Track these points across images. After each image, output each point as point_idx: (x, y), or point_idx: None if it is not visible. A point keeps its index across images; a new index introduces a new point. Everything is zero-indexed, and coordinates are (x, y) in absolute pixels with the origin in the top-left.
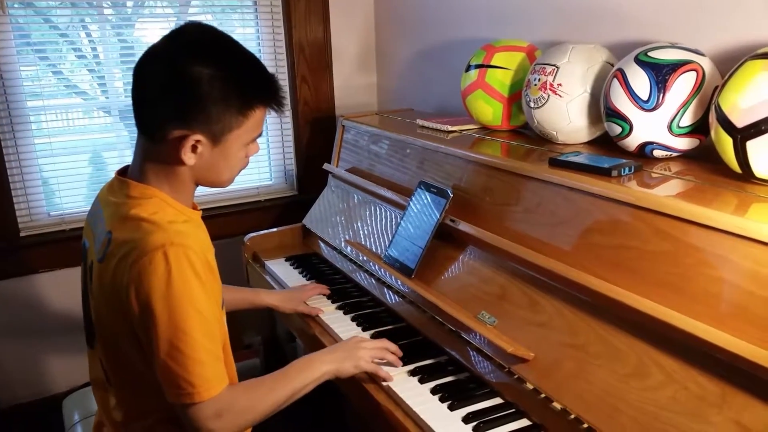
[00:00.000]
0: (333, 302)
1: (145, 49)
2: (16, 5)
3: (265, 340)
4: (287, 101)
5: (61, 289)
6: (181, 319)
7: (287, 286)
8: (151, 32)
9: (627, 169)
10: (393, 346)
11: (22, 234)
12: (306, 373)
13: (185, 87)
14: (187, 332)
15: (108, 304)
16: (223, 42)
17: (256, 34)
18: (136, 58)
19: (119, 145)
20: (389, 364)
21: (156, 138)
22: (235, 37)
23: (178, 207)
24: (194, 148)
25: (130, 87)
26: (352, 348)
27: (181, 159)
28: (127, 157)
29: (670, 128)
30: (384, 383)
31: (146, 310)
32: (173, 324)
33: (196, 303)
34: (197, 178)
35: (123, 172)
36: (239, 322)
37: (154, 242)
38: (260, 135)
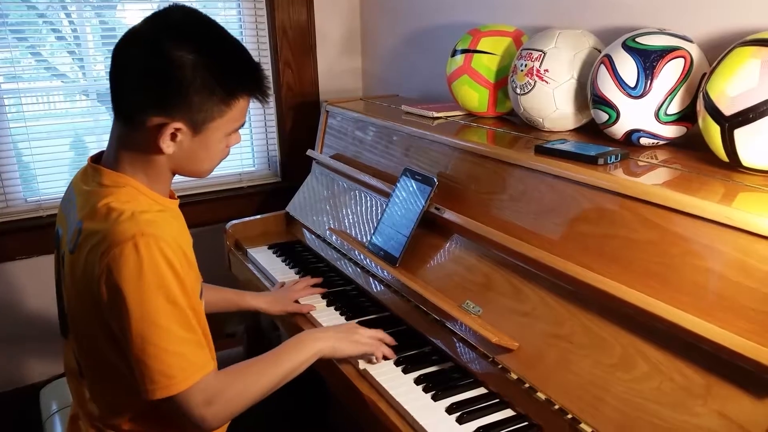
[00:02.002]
0: (317, 293)
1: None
2: None
3: (248, 329)
4: (272, 91)
5: (38, 276)
6: (154, 311)
7: (270, 274)
8: (132, 14)
9: (613, 157)
10: (388, 338)
11: None
12: (299, 353)
13: (167, 72)
14: (161, 325)
15: (80, 296)
16: (209, 27)
17: (238, 16)
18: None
19: (98, 130)
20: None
21: (134, 125)
22: (217, 20)
23: (153, 196)
24: (173, 137)
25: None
26: (347, 330)
27: (159, 147)
28: (106, 142)
29: (657, 116)
30: (362, 368)
31: (118, 303)
32: (146, 317)
33: (169, 294)
34: (175, 168)
35: (97, 159)
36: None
37: (124, 233)
38: (242, 125)
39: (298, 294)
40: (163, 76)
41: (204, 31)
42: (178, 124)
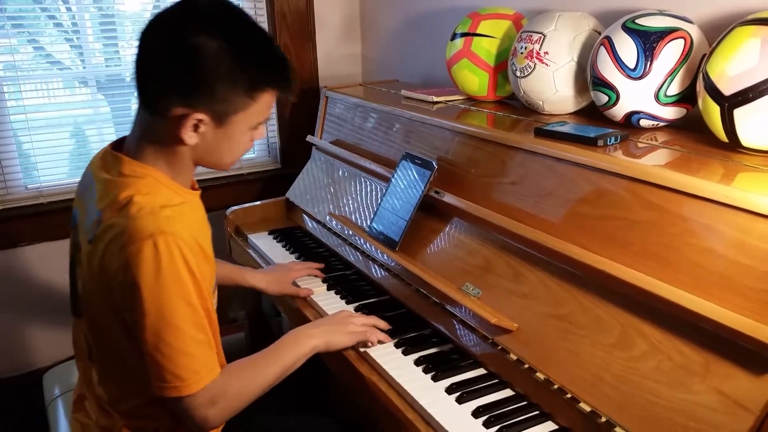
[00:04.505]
0: (317, 276)
1: (128, 20)
2: None
3: (250, 315)
4: (297, 87)
5: (40, 263)
6: (169, 312)
7: (271, 259)
8: (131, 3)
9: (613, 138)
10: (382, 323)
11: None
12: (295, 349)
13: (189, 60)
14: (176, 325)
15: (96, 288)
16: (236, 15)
17: (236, 1)
18: (116, 30)
19: (97, 119)
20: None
21: (157, 113)
22: None
23: (174, 187)
24: (196, 128)
25: (109, 59)
26: (340, 321)
27: (181, 138)
28: (107, 131)
29: (657, 97)
30: (363, 350)
31: (135, 299)
32: (161, 317)
33: (186, 295)
34: (198, 159)
35: (118, 145)
36: (224, 296)
37: (144, 230)
38: (268, 119)
39: (297, 274)
40: (186, 65)
41: (231, 19)
42: (201, 115)
